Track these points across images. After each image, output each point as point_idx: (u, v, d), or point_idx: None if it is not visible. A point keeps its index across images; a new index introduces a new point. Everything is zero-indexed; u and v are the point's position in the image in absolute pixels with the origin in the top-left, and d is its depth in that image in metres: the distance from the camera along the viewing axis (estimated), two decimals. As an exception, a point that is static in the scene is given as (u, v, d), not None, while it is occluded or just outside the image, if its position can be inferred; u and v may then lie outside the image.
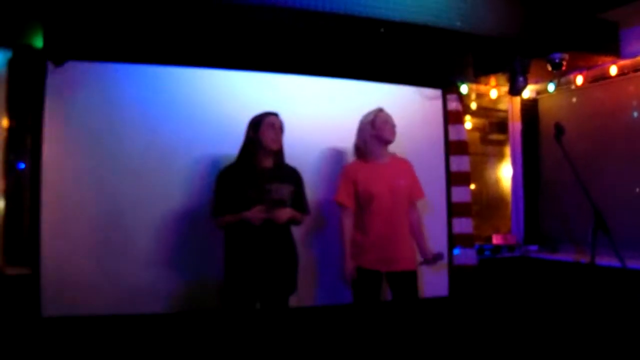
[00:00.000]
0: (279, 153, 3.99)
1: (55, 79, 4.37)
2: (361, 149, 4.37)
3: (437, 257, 4.24)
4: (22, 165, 4.63)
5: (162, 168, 4.60)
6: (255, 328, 3.91)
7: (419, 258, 4.43)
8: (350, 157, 4.81)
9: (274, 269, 3.85)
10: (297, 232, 4.19)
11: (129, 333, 4.44)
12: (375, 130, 4.28)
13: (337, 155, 5.11)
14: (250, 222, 3.72)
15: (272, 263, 3.84)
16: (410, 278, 4.32)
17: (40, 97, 4.36)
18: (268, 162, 3.95)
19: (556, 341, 5.40)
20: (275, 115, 3.98)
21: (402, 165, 4.46)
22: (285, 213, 3.85)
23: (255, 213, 3.71)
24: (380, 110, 4.36)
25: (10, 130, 4.56)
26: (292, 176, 4.06)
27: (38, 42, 4.36)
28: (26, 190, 4.50)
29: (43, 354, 4.21)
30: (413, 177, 4.47)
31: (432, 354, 4.84)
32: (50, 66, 4.34)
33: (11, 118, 4.56)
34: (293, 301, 4.11)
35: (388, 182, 4.25)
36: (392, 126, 4.33)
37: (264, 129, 3.88)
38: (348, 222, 4.29)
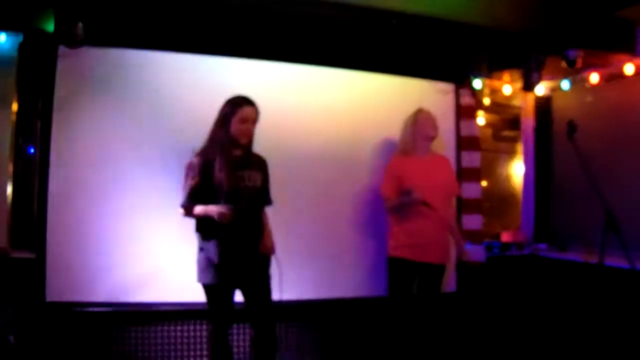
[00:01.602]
0: (248, 143, 3.82)
1: (66, 63, 4.36)
2: (405, 146, 4.60)
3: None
4: (32, 150, 4.62)
5: (172, 152, 4.51)
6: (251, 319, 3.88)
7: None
8: (361, 150, 5.11)
9: (252, 261, 3.76)
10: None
11: (132, 321, 4.46)
12: (416, 127, 4.51)
13: (350, 147, 5.12)
14: (215, 219, 3.52)
15: (250, 255, 3.75)
16: (440, 272, 4.54)
17: (51, 81, 4.35)
18: (237, 151, 3.77)
19: (563, 341, 5.36)
20: (251, 106, 3.74)
21: (443, 161, 4.72)
22: (270, 242, 3.88)
23: (220, 212, 3.50)
24: (420, 110, 4.58)
25: (19, 114, 4.55)
26: (260, 164, 3.92)
27: (49, 27, 4.35)
28: (35, 175, 4.50)
29: (46, 338, 4.21)
30: (452, 173, 4.79)
31: (438, 349, 4.83)
32: (61, 50, 4.32)
33: (21, 102, 4.55)
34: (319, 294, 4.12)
35: (431, 176, 4.44)
36: (434, 122, 4.55)
37: (236, 120, 3.68)
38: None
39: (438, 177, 4.51)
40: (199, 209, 3.65)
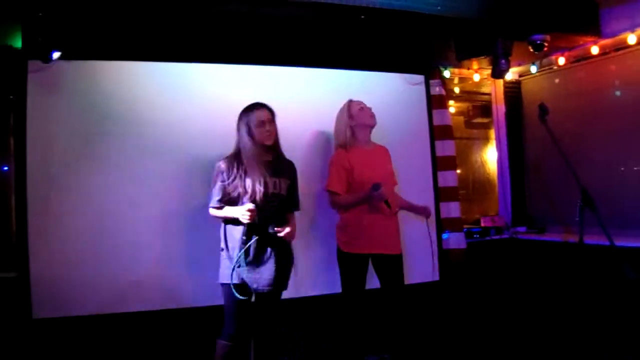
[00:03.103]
0: (275, 145, 3.95)
1: (37, 79, 4.29)
2: (344, 140, 4.41)
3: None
4: (6, 168, 4.59)
5: (150, 165, 4.55)
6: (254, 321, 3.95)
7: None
8: (321, 147, 5.01)
9: (272, 267, 3.84)
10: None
11: (120, 332, 4.43)
12: (354, 119, 4.38)
13: (320, 145, 5.07)
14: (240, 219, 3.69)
15: (271, 261, 3.83)
16: (398, 261, 4.41)
17: (22, 98, 4.27)
18: (268, 156, 3.91)
19: (547, 321, 5.44)
20: (263, 108, 3.89)
21: (384, 152, 4.60)
22: (292, 231, 3.92)
23: (245, 211, 3.65)
24: (350, 101, 4.47)
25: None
26: (289, 170, 4.05)
27: (17, 43, 4.31)
28: (11, 193, 4.46)
29: (34, 355, 4.19)
30: (391, 164, 4.60)
31: (426, 337, 4.88)
32: (32, 66, 4.27)
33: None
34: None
35: (379, 167, 4.37)
36: (369, 109, 4.43)
37: (254, 127, 3.83)
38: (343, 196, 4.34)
39: (383, 167, 4.46)
40: (227, 210, 3.82)
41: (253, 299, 3.93)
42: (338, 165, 4.35)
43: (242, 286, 3.80)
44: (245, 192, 3.76)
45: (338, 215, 4.47)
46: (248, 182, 3.77)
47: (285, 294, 4.08)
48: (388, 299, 4.42)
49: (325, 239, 4.78)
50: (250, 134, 3.83)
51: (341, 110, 4.47)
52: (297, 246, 4.15)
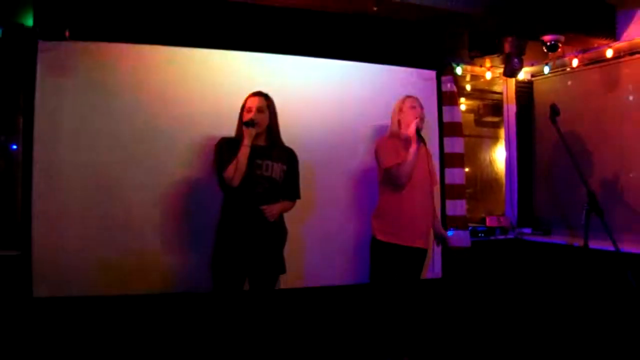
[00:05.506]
0: (270, 132, 3.96)
1: (47, 58, 4.30)
2: (392, 132, 4.47)
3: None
4: (14, 147, 4.59)
5: (156, 148, 4.57)
6: (247, 308, 3.92)
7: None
8: (347, 138, 5.17)
9: (262, 249, 3.86)
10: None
11: (120, 314, 4.44)
12: (402, 114, 4.42)
13: (331, 135, 5.12)
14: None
15: (261, 243, 3.85)
16: (424, 256, 4.49)
17: (32, 77, 4.29)
18: (261, 140, 3.91)
19: (548, 324, 5.42)
20: (256, 95, 3.93)
21: (426, 151, 4.59)
22: (274, 209, 3.88)
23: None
24: (406, 98, 4.49)
25: (1, 110, 4.51)
26: (285, 156, 4.02)
27: (29, 21, 4.30)
28: (18, 172, 4.46)
29: (34, 333, 4.20)
30: (433, 163, 4.70)
31: (426, 334, 4.87)
32: (42, 45, 4.27)
33: (2, 98, 4.51)
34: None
35: (420, 163, 4.36)
36: (419, 112, 4.40)
37: (244, 112, 3.90)
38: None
39: (426, 164, 4.47)
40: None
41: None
42: (389, 145, 4.35)
43: (236, 270, 3.85)
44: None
45: (378, 200, 4.50)
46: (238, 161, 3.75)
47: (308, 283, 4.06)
48: (406, 293, 4.44)
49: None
50: (240, 118, 3.92)
51: (397, 101, 4.51)
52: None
